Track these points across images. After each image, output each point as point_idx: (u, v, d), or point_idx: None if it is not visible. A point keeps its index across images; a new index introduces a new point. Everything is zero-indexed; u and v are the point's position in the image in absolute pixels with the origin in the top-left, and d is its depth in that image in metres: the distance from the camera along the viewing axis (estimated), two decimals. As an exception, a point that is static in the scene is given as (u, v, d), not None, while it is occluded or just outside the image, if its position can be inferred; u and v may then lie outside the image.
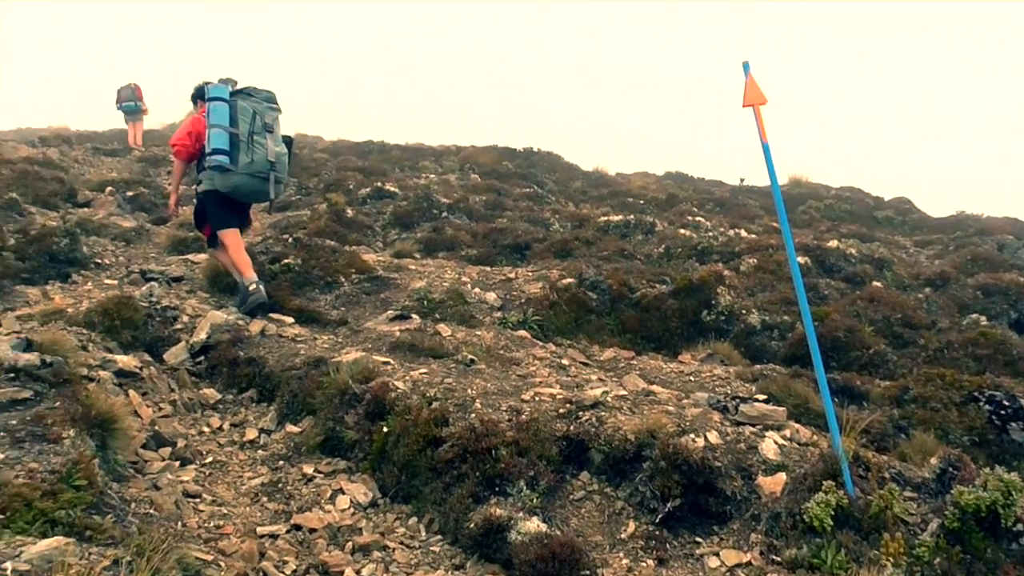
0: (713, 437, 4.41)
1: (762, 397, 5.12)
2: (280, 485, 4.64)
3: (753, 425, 4.62)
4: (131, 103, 20.87)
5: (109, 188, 13.15)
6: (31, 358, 4.38)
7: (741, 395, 5.23)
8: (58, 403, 4.12)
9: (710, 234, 11.60)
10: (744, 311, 7.54)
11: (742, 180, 21.36)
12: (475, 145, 22.86)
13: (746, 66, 4.01)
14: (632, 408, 4.87)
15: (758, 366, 6.49)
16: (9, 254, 7.72)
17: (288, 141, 7.04)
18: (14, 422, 3.86)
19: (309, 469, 4.79)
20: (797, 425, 4.74)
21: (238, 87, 6.91)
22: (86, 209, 11.80)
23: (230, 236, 7.00)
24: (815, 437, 4.59)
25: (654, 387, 5.47)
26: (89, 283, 7.80)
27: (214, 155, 6.58)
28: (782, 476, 4.13)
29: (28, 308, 6.56)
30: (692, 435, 4.38)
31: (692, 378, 6.09)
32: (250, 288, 6.80)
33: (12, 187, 11.00)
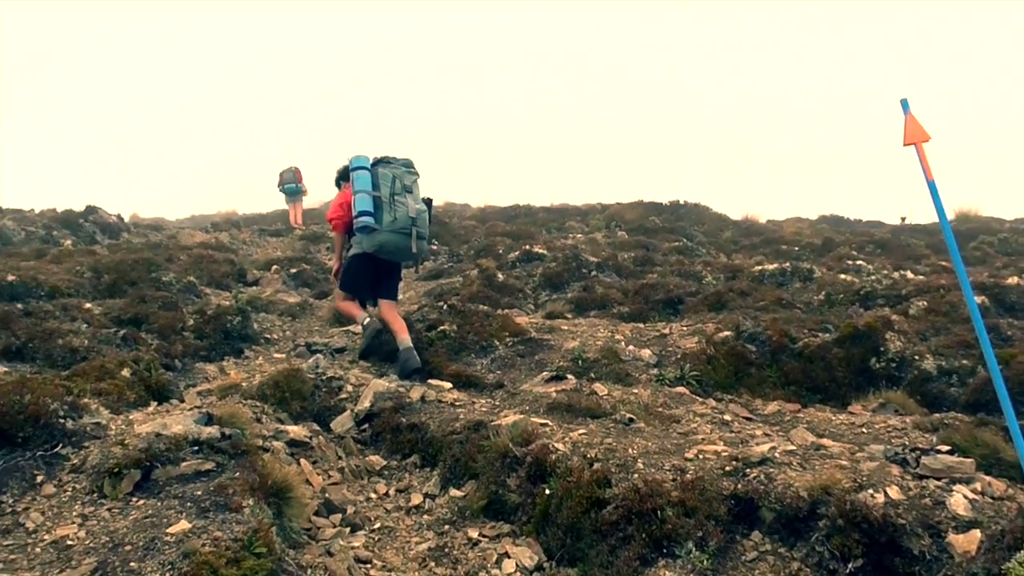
0: (894, 492, 4.13)
1: (945, 448, 4.77)
2: (447, 550, 4.68)
3: (938, 478, 4.30)
4: (292, 184, 22.19)
5: (275, 267, 13.97)
6: (212, 431, 4.64)
7: (921, 446, 4.89)
8: (237, 473, 4.33)
9: (873, 277, 11.06)
10: (917, 356, 7.10)
11: (903, 219, 20.48)
12: (620, 202, 22.99)
13: (905, 103, 3.83)
14: (802, 463, 4.65)
15: (937, 415, 6.07)
16: (189, 333, 8.31)
17: (427, 201, 7.58)
18: (199, 492, 4.08)
19: (474, 533, 4.81)
20: (988, 477, 4.38)
21: (378, 157, 7.50)
22: (255, 287, 12.58)
23: (343, 295, 7.84)
24: (1010, 490, 4.22)
25: (824, 440, 5.21)
26: (260, 357, 8.25)
27: (360, 217, 7.15)
28: (976, 533, 3.80)
29: (207, 383, 7.01)
30: (870, 490, 4.12)
31: (864, 430, 5.77)
32: (363, 323, 7.63)
33: (190, 271, 11.90)
